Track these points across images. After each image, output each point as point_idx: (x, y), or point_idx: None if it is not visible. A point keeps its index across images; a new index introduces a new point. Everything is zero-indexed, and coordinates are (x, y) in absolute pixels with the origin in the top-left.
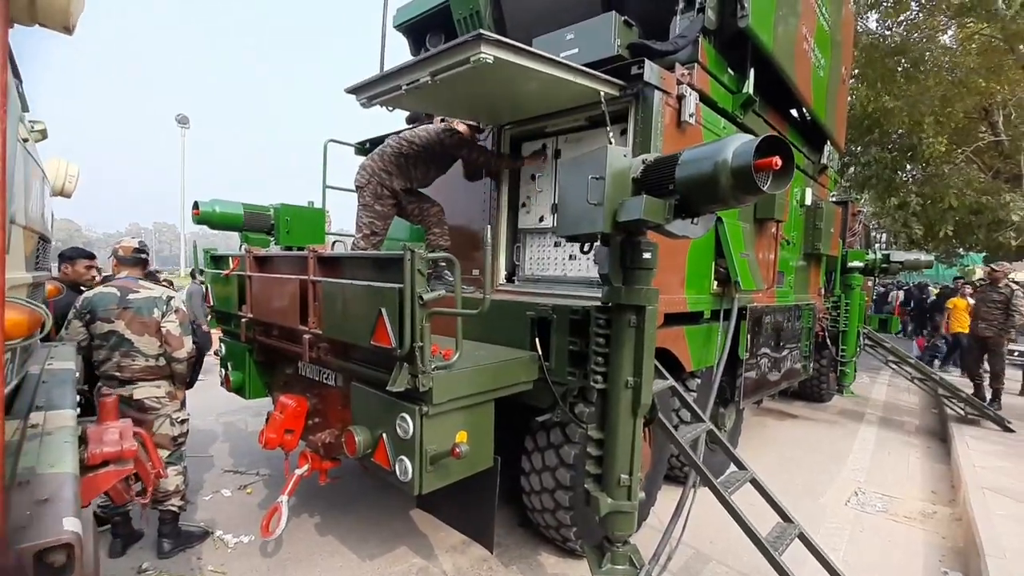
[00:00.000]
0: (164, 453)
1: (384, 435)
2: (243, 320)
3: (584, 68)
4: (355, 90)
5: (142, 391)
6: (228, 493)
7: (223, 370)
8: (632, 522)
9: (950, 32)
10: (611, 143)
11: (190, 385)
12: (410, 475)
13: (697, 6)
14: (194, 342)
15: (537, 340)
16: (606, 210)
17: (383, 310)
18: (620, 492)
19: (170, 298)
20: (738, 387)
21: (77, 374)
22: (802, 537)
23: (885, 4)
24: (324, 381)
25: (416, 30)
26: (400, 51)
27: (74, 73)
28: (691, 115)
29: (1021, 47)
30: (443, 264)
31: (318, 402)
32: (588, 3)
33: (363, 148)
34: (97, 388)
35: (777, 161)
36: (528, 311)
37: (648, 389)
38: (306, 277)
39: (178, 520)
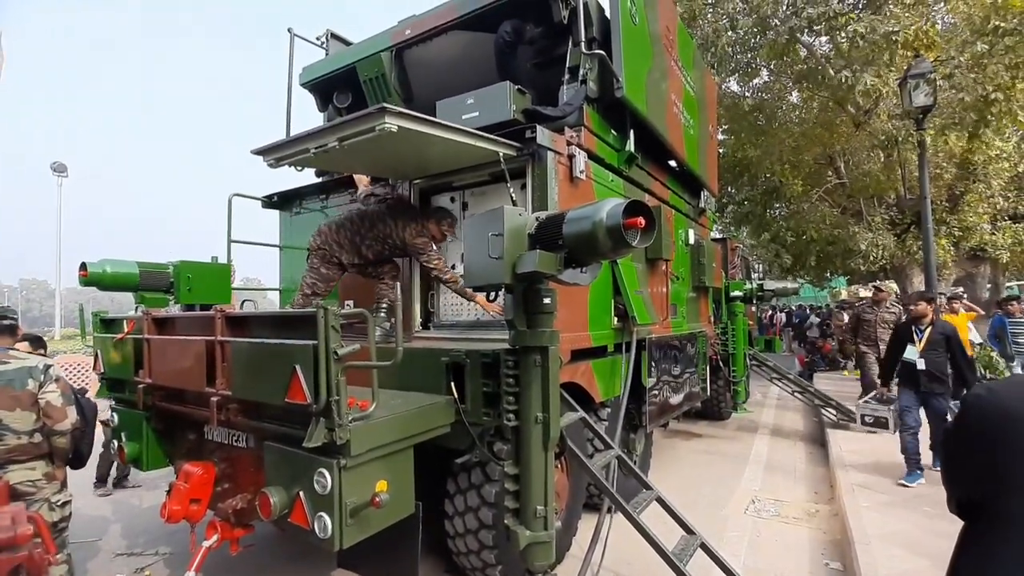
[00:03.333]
0: None
1: (301, 493)
2: (140, 386)
3: (482, 133)
4: (262, 152)
5: (14, 475)
6: None
7: (116, 441)
8: (550, 552)
9: (796, 93)
10: (512, 197)
11: (83, 462)
12: (330, 531)
13: (580, 78)
14: (80, 413)
15: (452, 384)
16: (506, 263)
17: (298, 367)
18: (537, 523)
19: (48, 366)
20: (644, 413)
21: None
22: (703, 547)
23: (740, 71)
24: (234, 444)
25: (322, 88)
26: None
27: None
28: (581, 171)
29: (850, 107)
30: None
31: (227, 467)
32: (485, 70)
33: (270, 202)
34: None
35: (641, 221)
36: (443, 357)
37: (556, 423)
38: (213, 337)
39: None
